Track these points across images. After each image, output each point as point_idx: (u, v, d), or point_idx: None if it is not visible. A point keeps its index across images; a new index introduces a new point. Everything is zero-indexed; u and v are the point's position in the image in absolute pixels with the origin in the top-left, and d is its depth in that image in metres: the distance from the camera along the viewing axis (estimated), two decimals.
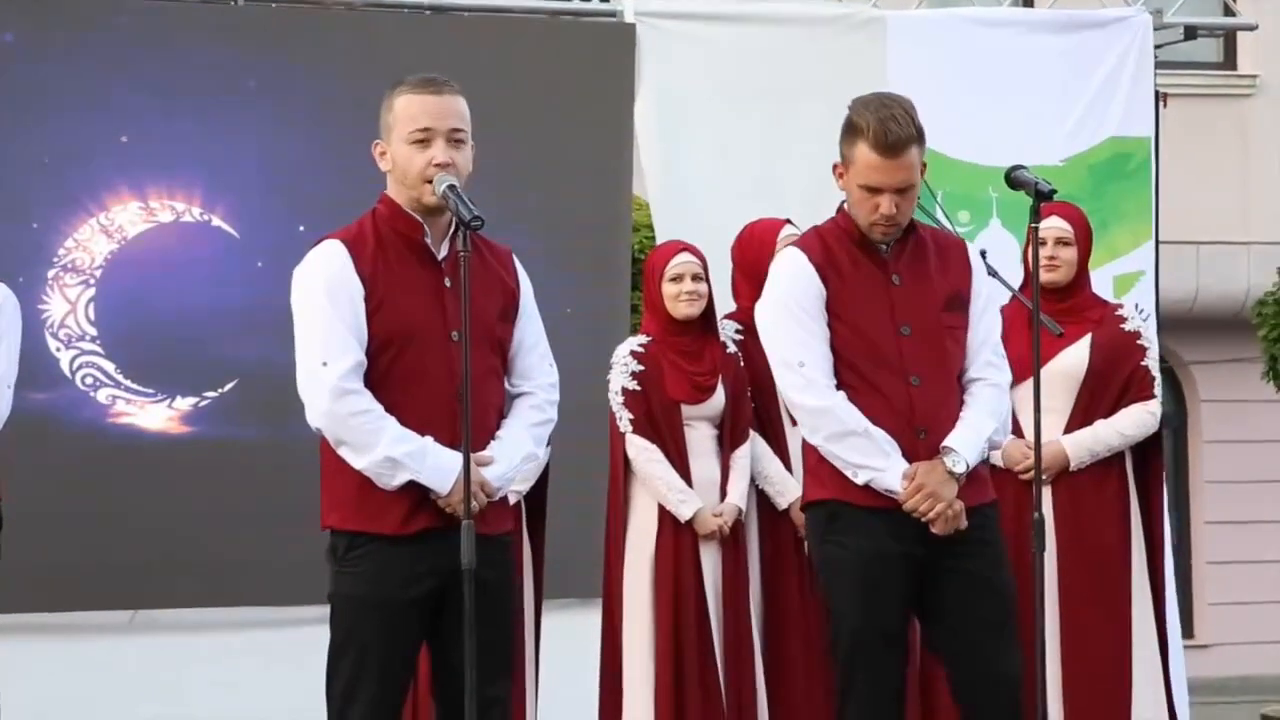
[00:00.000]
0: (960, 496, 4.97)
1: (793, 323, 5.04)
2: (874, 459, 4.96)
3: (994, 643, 5.01)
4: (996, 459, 5.98)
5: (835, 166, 5.08)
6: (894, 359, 5.01)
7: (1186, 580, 15.13)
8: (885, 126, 4.93)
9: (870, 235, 5.05)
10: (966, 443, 5.00)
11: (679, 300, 6.45)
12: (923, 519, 4.95)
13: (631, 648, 6.39)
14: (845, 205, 5.12)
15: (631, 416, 6.41)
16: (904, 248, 5.09)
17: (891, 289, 5.05)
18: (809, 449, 5.12)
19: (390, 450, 4.46)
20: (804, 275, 5.06)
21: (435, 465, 4.48)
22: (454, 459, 4.47)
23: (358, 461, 4.49)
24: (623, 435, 6.42)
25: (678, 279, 6.47)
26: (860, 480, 4.98)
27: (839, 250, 5.08)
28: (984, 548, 5.05)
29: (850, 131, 5.01)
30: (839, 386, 5.02)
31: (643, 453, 6.40)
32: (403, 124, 4.57)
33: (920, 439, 4.99)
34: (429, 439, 4.50)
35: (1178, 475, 15.54)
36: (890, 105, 4.98)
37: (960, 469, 4.96)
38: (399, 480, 4.48)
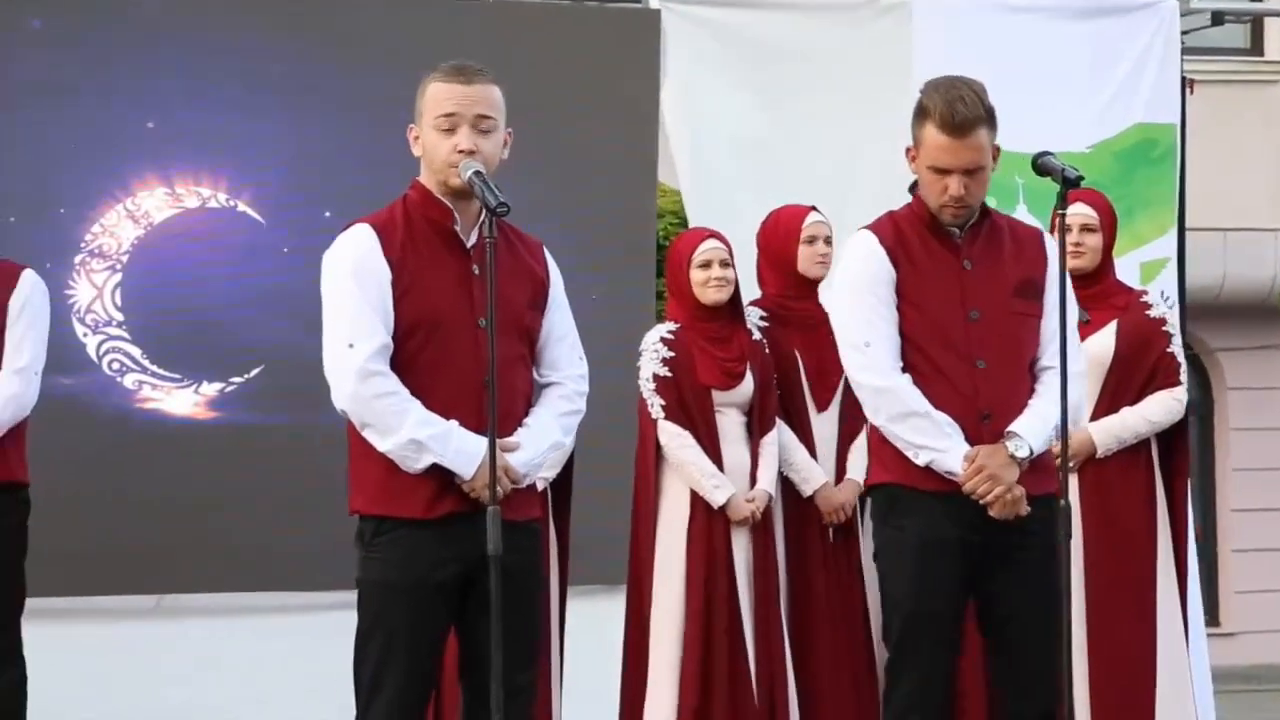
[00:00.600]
0: (1022, 483, 4.93)
1: (861, 305, 5.04)
2: (935, 440, 4.94)
3: (1036, 638, 4.97)
4: None
5: (908, 150, 5.07)
6: (960, 343, 4.99)
7: (1212, 568, 15.11)
8: (952, 107, 4.92)
9: (940, 217, 5.04)
10: (1032, 429, 4.96)
11: (708, 286, 6.45)
12: (981, 501, 4.93)
13: (659, 633, 6.38)
14: (919, 189, 5.11)
15: (663, 403, 6.40)
16: (978, 233, 5.08)
17: (963, 273, 5.03)
18: (872, 431, 5.12)
19: (415, 432, 4.47)
20: (875, 258, 5.05)
21: (460, 449, 4.49)
22: (478, 443, 4.48)
23: (382, 444, 4.50)
24: (654, 422, 6.41)
25: (706, 265, 6.46)
26: (921, 461, 4.96)
27: (911, 234, 5.07)
28: (1039, 540, 4.98)
29: (919, 113, 5.01)
30: (905, 369, 5.00)
31: (675, 439, 6.40)
32: (431, 110, 4.60)
33: (985, 424, 4.97)
34: (454, 423, 4.51)
35: (1204, 462, 15.48)
36: (959, 86, 4.97)
37: (1023, 454, 4.93)
38: (423, 463, 4.49)
